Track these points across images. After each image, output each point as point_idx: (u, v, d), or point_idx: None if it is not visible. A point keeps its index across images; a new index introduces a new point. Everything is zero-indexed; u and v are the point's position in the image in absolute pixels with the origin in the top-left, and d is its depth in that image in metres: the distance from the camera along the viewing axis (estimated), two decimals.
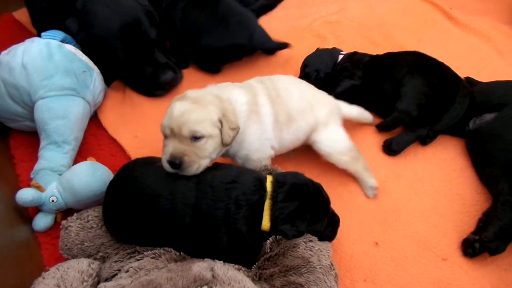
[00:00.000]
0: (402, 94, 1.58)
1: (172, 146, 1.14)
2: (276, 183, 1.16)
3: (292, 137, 1.43)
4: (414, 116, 1.56)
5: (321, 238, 1.17)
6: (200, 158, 1.16)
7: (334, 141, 1.46)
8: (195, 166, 1.14)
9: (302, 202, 1.14)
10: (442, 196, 1.49)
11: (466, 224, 1.40)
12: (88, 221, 1.26)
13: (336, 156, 1.46)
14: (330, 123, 1.47)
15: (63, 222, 1.27)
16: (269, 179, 1.18)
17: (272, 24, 2.33)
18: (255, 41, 1.96)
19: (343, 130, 1.50)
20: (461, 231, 1.39)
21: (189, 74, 2.03)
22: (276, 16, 2.42)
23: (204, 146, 1.17)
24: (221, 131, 1.20)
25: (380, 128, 1.64)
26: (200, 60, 2.04)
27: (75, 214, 1.30)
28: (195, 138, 1.15)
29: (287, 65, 2.05)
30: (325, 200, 1.22)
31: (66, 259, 1.24)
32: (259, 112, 1.34)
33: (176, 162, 1.12)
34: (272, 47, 2.03)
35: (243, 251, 1.16)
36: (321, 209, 1.19)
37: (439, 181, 1.53)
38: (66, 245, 1.24)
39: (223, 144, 1.22)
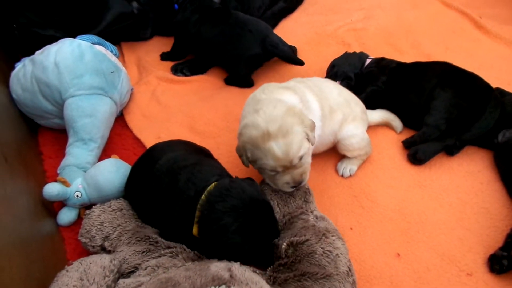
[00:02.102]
0: (432, 108, 1.56)
1: (291, 176, 1.27)
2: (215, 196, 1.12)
3: (330, 130, 1.47)
4: (443, 129, 1.53)
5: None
6: (308, 169, 1.32)
7: (361, 138, 1.52)
8: (307, 177, 1.33)
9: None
10: (468, 209, 1.44)
11: (492, 239, 1.35)
12: (110, 206, 1.34)
13: (356, 151, 1.52)
14: (361, 121, 1.55)
15: (86, 211, 1.34)
16: (211, 186, 1.15)
17: (297, 30, 2.35)
18: (268, 47, 1.96)
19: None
20: (487, 246, 1.34)
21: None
22: (301, 23, 2.42)
23: (307, 159, 1.30)
24: (308, 138, 1.27)
25: (407, 144, 1.60)
26: (231, 79, 2.07)
27: (98, 204, 1.37)
28: (300, 158, 1.26)
29: (310, 70, 2.04)
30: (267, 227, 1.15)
31: (88, 254, 1.27)
32: (310, 108, 1.38)
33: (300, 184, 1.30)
34: (286, 53, 2.02)
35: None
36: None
37: (465, 194, 1.48)
38: (85, 229, 1.28)
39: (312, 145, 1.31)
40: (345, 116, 1.49)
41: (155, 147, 1.40)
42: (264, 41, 1.95)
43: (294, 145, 1.21)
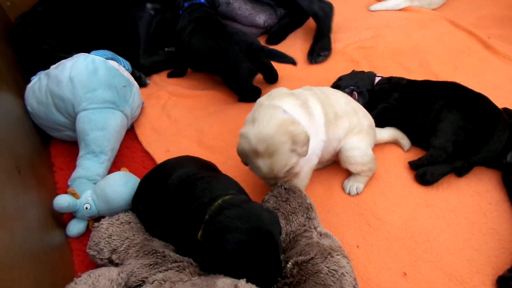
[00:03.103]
0: (438, 130, 1.55)
1: (274, 181, 1.39)
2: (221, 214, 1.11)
3: (334, 136, 1.48)
4: (450, 152, 1.53)
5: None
6: (294, 177, 1.40)
7: (364, 152, 1.51)
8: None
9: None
10: (476, 230, 1.43)
11: (501, 260, 1.34)
12: (118, 219, 1.36)
13: (359, 166, 1.52)
14: (367, 135, 1.55)
15: (95, 224, 1.35)
16: (228, 197, 1.16)
17: (305, 46, 2.38)
18: (255, 52, 1.94)
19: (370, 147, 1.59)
20: (496, 267, 1.32)
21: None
22: (310, 40, 2.46)
23: (292, 171, 1.36)
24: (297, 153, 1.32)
25: (414, 166, 1.60)
26: (241, 96, 2.07)
27: (107, 217, 1.38)
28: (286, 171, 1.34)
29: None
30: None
31: (95, 266, 1.28)
32: (313, 114, 1.41)
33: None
34: (274, 51, 1.97)
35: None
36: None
37: (473, 214, 1.47)
38: (94, 241, 1.29)
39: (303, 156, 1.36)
40: (351, 125, 1.50)
41: (166, 163, 1.42)
42: (250, 48, 1.93)
43: (278, 164, 1.29)
